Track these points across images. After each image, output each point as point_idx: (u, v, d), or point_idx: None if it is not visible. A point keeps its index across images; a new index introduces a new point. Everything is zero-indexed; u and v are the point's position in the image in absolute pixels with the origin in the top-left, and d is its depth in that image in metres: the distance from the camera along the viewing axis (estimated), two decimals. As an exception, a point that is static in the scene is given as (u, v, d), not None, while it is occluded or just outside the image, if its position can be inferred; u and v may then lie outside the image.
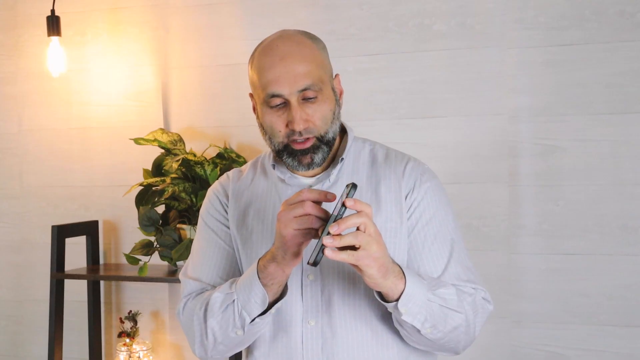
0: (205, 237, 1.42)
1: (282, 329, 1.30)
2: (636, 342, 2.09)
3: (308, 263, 1.09)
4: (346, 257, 1.09)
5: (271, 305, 1.24)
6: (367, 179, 1.35)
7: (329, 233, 1.07)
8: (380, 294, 1.20)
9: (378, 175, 1.36)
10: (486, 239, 2.19)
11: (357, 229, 1.09)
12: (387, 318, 1.29)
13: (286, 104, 1.27)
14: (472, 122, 2.19)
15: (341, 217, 1.09)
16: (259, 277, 1.20)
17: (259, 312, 1.22)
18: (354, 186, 1.11)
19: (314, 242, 1.14)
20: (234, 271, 1.38)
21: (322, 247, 1.07)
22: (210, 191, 1.45)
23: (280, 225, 1.14)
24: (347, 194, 1.10)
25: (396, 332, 1.29)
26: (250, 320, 1.23)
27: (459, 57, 2.20)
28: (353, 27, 2.29)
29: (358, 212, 1.09)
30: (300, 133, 1.27)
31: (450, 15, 2.21)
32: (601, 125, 2.10)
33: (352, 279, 1.29)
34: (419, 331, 1.21)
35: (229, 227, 1.40)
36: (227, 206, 1.41)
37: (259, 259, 1.22)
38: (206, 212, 1.43)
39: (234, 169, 1.47)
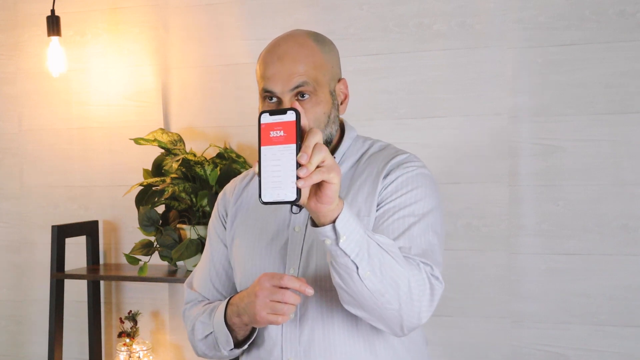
0: (209, 243, 1.49)
1: None
2: (636, 342, 2.09)
3: (294, 204, 1.01)
4: (319, 176, 1.00)
5: (247, 334, 1.33)
6: (351, 178, 1.34)
7: (298, 165, 0.99)
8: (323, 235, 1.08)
9: (362, 170, 1.33)
10: (486, 239, 2.19)
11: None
12: (370, 334, 1.29)
13: (280, 102, 1.28)
14: (472, 122, 2.19)
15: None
16: (226, 321, 1.30)
17: (231, 347, 1.32)
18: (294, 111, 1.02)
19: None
20: (231, 283, 1.46)
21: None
22: (219, 195, 1.51)
23: (258, 304, 1.19)
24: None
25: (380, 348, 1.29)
26: (226, 353, 1.34)
27: (459, 57, 2.20)
28: (353, 27, 2.29)
29: (315, 145, 0.99)
30: None
31: (450, 15, 2.21)
32: (601, 125, 2.10)
33: (329, 299, 1.27)
34: (357, 270, 1.08)
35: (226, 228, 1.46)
36: (228, 207, 1.46)
37: (227, 305, 1.30)
38: (212, 216, 1.51)
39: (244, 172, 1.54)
